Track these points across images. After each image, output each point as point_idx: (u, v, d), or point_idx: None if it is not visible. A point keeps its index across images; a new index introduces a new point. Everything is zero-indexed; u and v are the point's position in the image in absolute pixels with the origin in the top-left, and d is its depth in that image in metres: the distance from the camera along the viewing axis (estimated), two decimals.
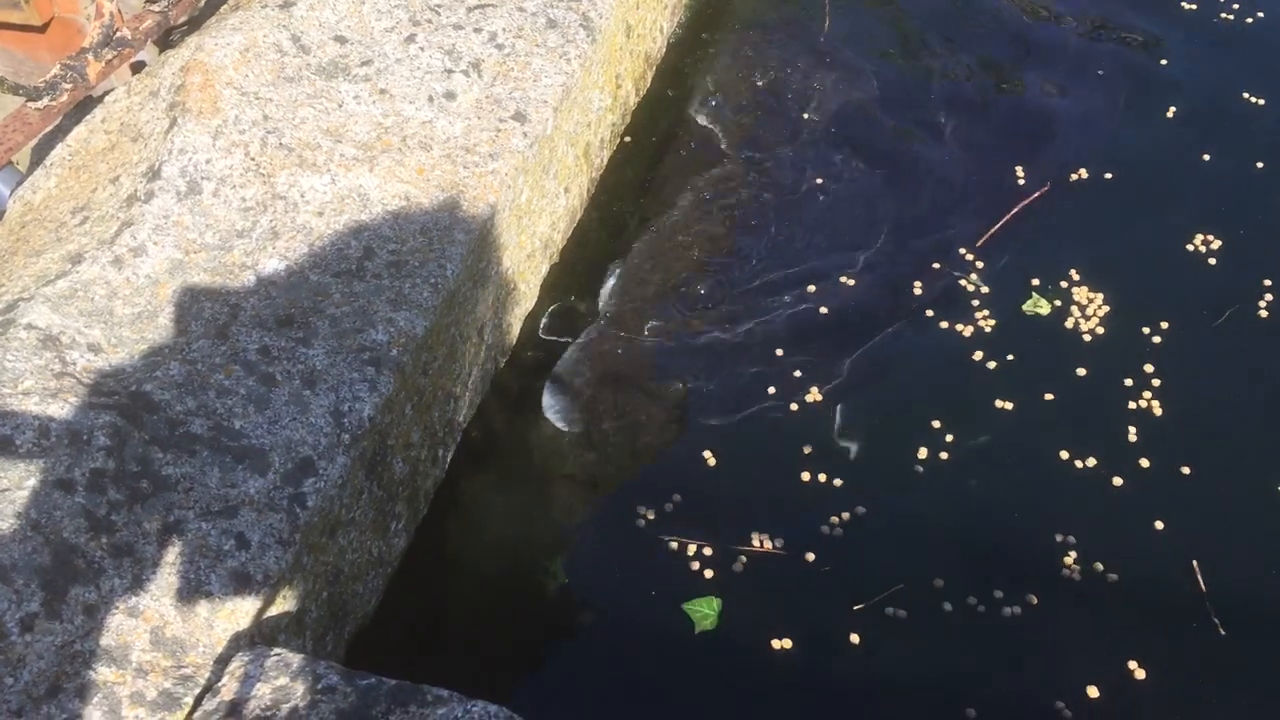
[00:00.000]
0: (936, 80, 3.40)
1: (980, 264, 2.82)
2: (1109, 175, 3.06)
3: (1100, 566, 2.20)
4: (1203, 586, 2.16)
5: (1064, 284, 2.76)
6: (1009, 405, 2.49)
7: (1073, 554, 2.22)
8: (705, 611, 2.14)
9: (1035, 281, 2.76)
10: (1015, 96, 3.35)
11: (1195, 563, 2.19)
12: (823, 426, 2.44)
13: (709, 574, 2.19)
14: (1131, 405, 2.49)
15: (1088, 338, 2.64)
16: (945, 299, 2.74)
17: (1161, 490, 2.34)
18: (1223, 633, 2.10)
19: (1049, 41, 3.53)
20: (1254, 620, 2.13)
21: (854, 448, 2.40)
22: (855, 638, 2.10)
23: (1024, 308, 2.70)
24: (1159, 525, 2.28)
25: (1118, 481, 2.34)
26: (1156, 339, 2.64)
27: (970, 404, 2.50)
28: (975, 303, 2.72)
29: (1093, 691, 2.03)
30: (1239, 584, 2.18)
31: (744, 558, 2.21)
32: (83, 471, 1.65)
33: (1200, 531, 2.26)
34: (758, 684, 2.05)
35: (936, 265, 2.81)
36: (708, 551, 2.22)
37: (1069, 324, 2.67)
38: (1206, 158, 3.12)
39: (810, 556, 2.21)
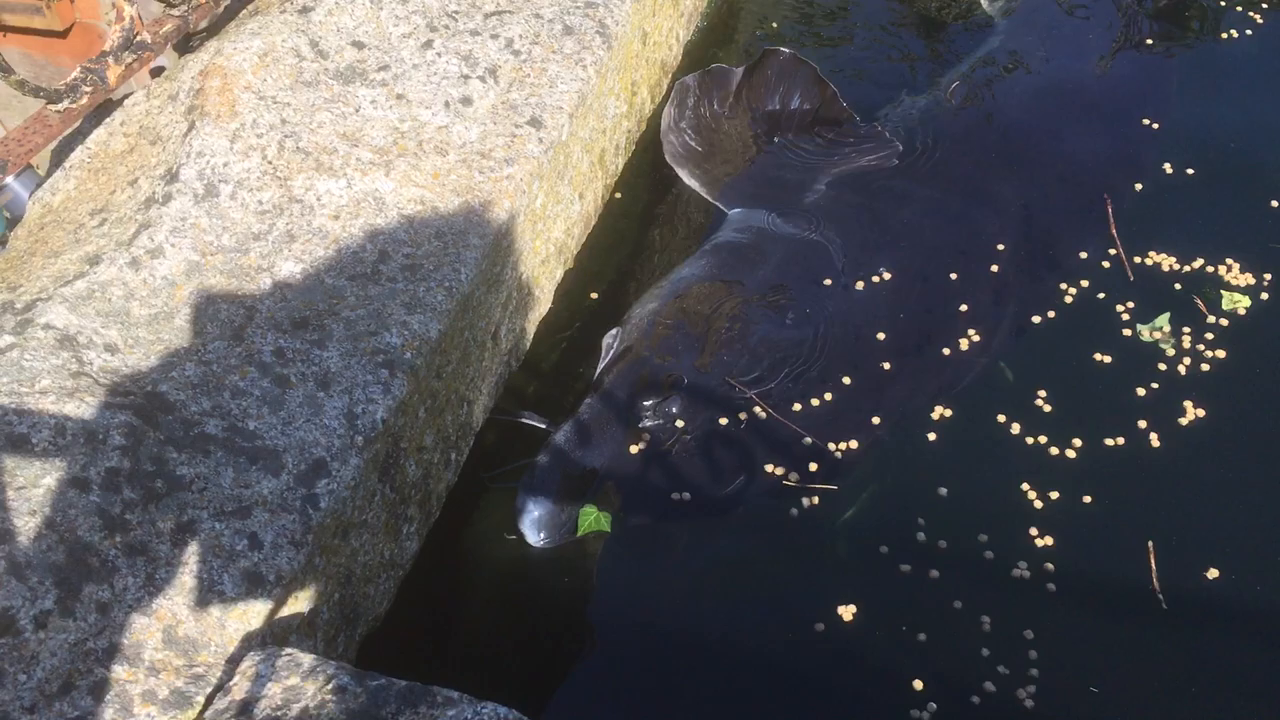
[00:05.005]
0: (993, 83, 3.31)
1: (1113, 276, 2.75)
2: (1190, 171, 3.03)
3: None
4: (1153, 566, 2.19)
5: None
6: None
7: (1048, 538, 2.24)
8: (591, 516, 2.20)
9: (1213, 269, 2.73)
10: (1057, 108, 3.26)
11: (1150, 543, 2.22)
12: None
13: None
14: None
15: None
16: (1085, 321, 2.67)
17: None
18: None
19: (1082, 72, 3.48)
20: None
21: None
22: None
23: (1224, 305, 2.65)
24: None
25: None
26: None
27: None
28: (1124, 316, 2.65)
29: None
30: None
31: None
32: (98, 470, 1.66)
33: None
34: (764, 677, 2.05)
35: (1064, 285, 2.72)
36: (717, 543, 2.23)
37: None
38: None
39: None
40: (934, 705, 2.01)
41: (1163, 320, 2.61)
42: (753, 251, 2.74)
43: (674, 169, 2.97)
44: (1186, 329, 2.61)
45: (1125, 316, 2.64)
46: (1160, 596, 2.14)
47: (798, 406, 2.43)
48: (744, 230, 2.82)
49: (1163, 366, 2.54)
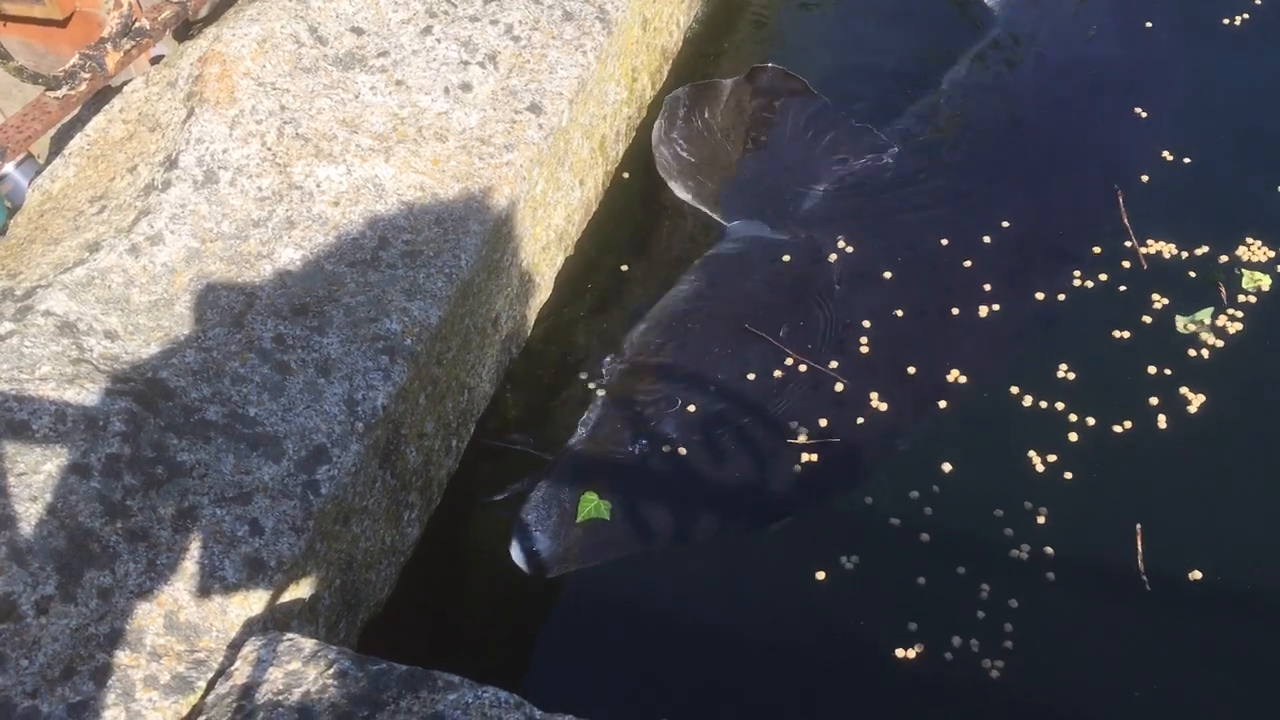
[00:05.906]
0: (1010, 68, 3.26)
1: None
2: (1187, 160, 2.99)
3: None
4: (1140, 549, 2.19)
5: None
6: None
7: (1041, 517, 2.25)
8: (592, 503, 2.15)
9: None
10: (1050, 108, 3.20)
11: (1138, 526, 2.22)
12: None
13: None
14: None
15: None
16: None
17: None
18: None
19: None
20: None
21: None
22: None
23: (1244, 285, 2.60)
24: None
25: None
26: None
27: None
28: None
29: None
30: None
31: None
32: (99, 457, 1.66)
33: None
34: (762, 648, 2.05)
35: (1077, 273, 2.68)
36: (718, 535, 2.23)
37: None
38: None
39: None
40: (920, 646, 2.05)
41: (1204, 315, 2.55)
42: (750, 264, 2.67)
43: (667, 183, 2.88)
44: (1226, 313, 2.59)
45: (1158, 306, 2.61)
46: (1144, 578, 2.15)
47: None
48: (740, 242, 2.74)
49: (1192, 353, 2.51)
